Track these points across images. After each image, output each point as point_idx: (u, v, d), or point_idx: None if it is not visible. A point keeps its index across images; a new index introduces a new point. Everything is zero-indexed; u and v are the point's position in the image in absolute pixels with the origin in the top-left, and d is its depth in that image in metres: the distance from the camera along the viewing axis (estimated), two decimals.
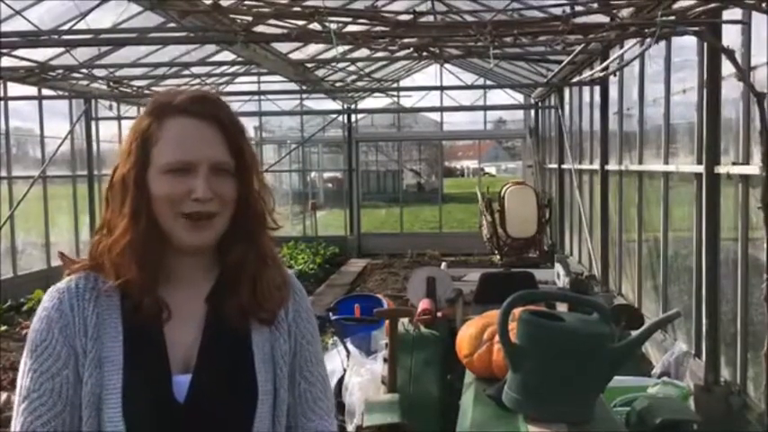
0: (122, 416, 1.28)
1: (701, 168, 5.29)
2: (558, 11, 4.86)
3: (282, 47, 9.02)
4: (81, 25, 7.11)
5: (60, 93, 10.98)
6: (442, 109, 15.69)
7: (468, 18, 5.62)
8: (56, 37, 7.17)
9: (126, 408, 1.29)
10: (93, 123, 12.35)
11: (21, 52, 8.41)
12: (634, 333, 2.44)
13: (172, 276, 1.38)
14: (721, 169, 5.01)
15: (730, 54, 4.20)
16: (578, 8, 4.76)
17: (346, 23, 4.92)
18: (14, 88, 10.14)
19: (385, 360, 3.97)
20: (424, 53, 5.96)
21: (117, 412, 1.28)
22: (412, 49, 5.58)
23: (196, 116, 1.35)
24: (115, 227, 1.35)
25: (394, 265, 13.75)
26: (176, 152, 1.33)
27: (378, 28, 5.03)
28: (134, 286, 1.33)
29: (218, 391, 1.35)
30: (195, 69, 10.86)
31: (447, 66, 14.62)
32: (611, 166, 8.51)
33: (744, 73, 4.26)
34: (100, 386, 1.30)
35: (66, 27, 7.40)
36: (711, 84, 5.12)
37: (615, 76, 7.93)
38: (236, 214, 1.38)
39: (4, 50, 7.43)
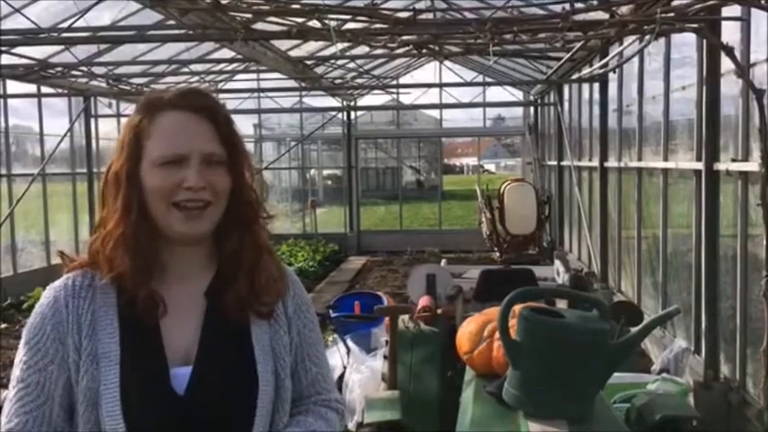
0: (121, 410, 1.30)
1: (700, 165, 5.30)
2: (557, 8, 4.86)
3: (282, 44, 9.00)
4: (80, 23, 7.10)
5: (59, 90, 10.96)
6: (441, 106, 15.67)
7: (468, 15, 5.62)
8: (55, 34, 7.15)
9: (124, 402, 1.30)
10: (92, 121, 12.37)
11: (20, 50, 8.39)
12: (633, 330, 2.45)
13: (168, 271, 1.40)
14: (720, 166, 5.01)
15: (729, 51, 4.19)
16: (578, 5, 4.76)
17: (346, 21, 4.91)
18: (13, 86, 10.14)
19: (385, 357, 3.98)
20: (424, 50, 5.96)
21: (115, 407, 1.30)
22: (411, 46, 5.57)
23: (186, 109, 1.38)
24: (109, 221, 1.38)
25: (393, 263, 13.75)
26: (168, 145, 1.35)
27: (377, 25, 5.03)
28: (127, 279, 1.35)
29: (220, 381, 1.37)
30: (194, 67, 10.85)
31: (446, 63, 14.60)
32: (611, 163, 8.51)
33: (743, 70, 4.26)
34: (97, 382, 1.32)
35: (65, 25, 7.38)
36: (710, 81, 5.13)
37: (614, 72, 7.93)
38: (230, 204, 1.41)
39: (4, 48, 7.42)
